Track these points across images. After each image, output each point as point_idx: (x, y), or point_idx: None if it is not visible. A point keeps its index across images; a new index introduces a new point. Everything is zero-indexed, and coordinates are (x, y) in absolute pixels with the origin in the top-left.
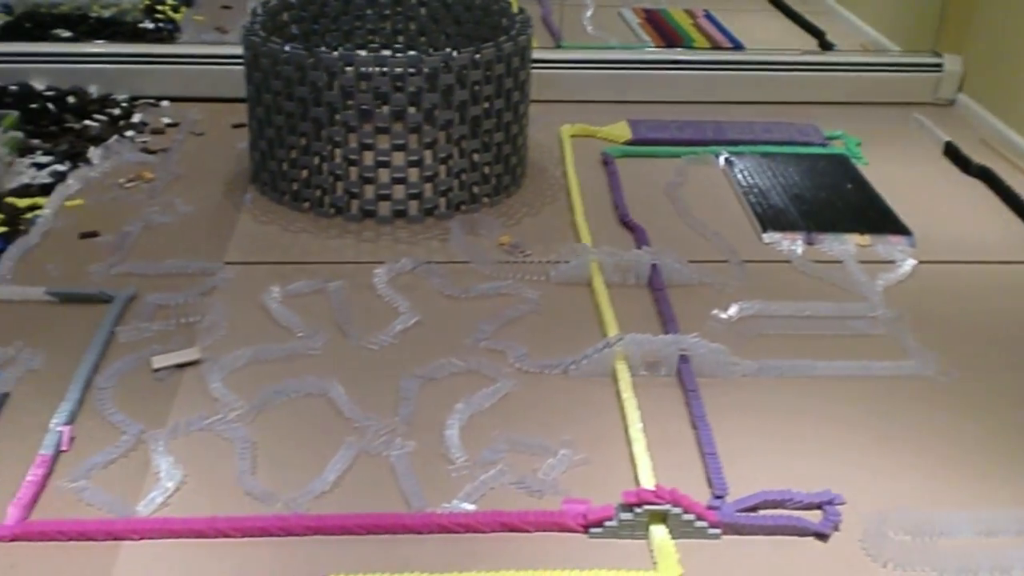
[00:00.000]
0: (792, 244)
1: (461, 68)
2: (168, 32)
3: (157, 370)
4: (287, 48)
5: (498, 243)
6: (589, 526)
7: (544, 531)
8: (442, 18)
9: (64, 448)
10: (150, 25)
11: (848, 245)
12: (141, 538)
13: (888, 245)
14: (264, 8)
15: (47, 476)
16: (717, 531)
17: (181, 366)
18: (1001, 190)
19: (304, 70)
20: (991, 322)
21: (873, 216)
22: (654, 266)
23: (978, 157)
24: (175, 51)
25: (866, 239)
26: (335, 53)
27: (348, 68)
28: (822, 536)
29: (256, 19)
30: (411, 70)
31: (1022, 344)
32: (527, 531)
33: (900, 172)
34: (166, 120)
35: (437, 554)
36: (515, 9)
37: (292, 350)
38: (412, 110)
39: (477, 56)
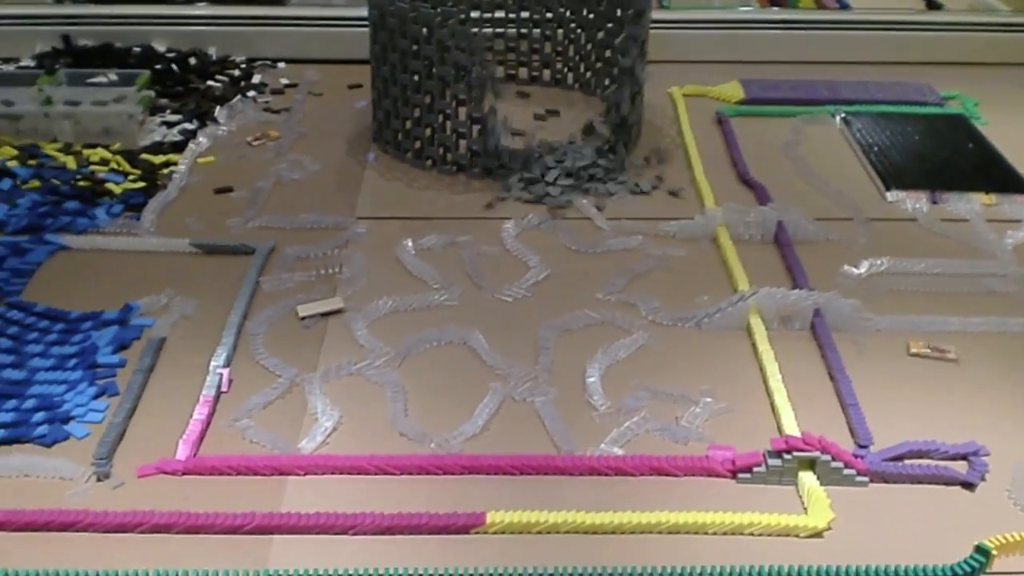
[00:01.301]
0: (916, 203)
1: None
2: None
3: (304, 318)
4: (418, 4)
5: None
6: (737, 472)
7: (692, 475)
8: None
9: (224, 390)
10: None
11: (974, 204)
12: (305, 474)
13: (1015, 204)
14: None
15: (211, 415)
16: (865, 479)
17: (326, 314)
18: None
19: (432, 29)
20: None
21: (997, 175)
22: (779, 223)
23: None
24: (290, 13)
25: (991, 198)
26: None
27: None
28: (969, 485)
29: None
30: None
31: None
32: (676, 475)
33: (1021, 132)
34: (284, 81)
35: (589, 495)
36: None
37: (430, 300)
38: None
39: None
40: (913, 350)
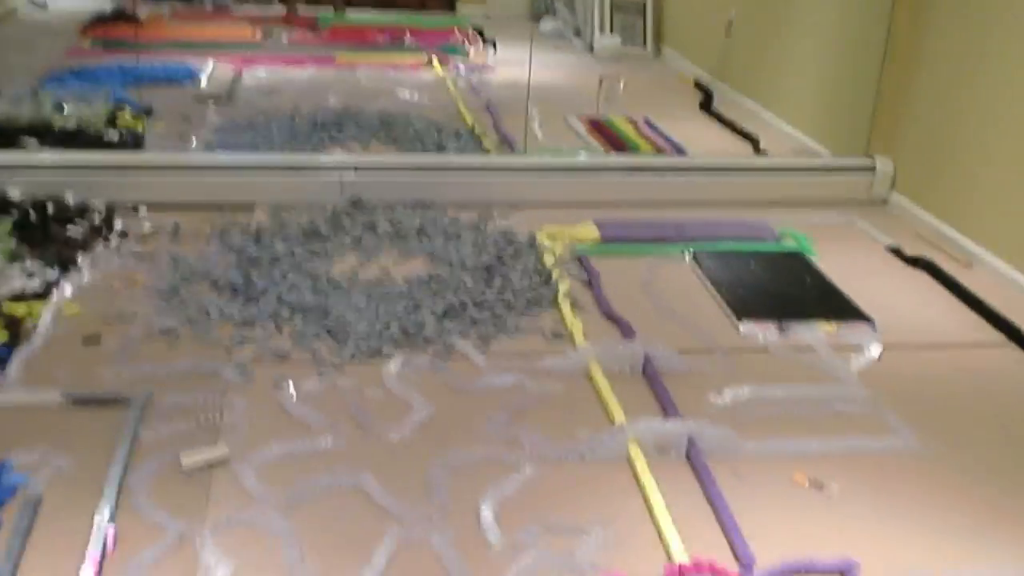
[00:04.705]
0: (766, 333)
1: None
2: (132, 140)
3: (187, 468)
4: None
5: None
6: None
7: None
8: None
9: (111, 548)
10: (115, 135)
11: (817, 332)
12: None
13: (854, 331)
14: None
15: None
16: None
17: (210, 464)
18: (943, 279)
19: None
20: (959, 400)
21: (835, 305)
22: (646, 356)
23: (916, 250)
24: (149, 160)
25: (832, 326)
26: None
27: None
28: None
29: None
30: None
31: (990, 418)
32: None
33: (849, 265)
34: (147, 226)
35: None
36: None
37: (317, 445)
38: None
39: None
40: (797, 479)
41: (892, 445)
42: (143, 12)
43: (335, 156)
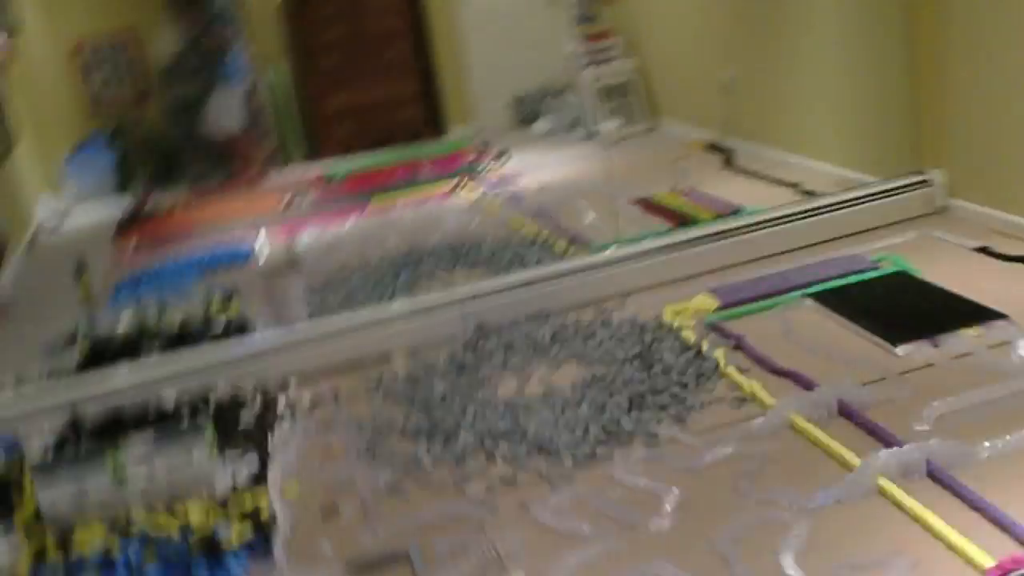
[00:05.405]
0: (922, 350)
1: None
2: (239, 325)
3: None
4: None
5: None
6: None
7: None
8: None
9: None
10: (219, 325)
11: (965, 339)
12: None
13: (996, 330)
14: None
15: None
16: None
17: None
18: None
19: None
20: None
21: (967, 311)
22: (838, 400)
23: (995, 242)
24: (286, 339)
25: (976, 330)
26: None
27: None
28: None
29: None
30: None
31: None
32: None
33: (953, 272)
34: (307, 398)
35: None
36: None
37: (601, 547)
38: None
39: None
40: None
41: None
42: (159, 206)
43: (454, 290)
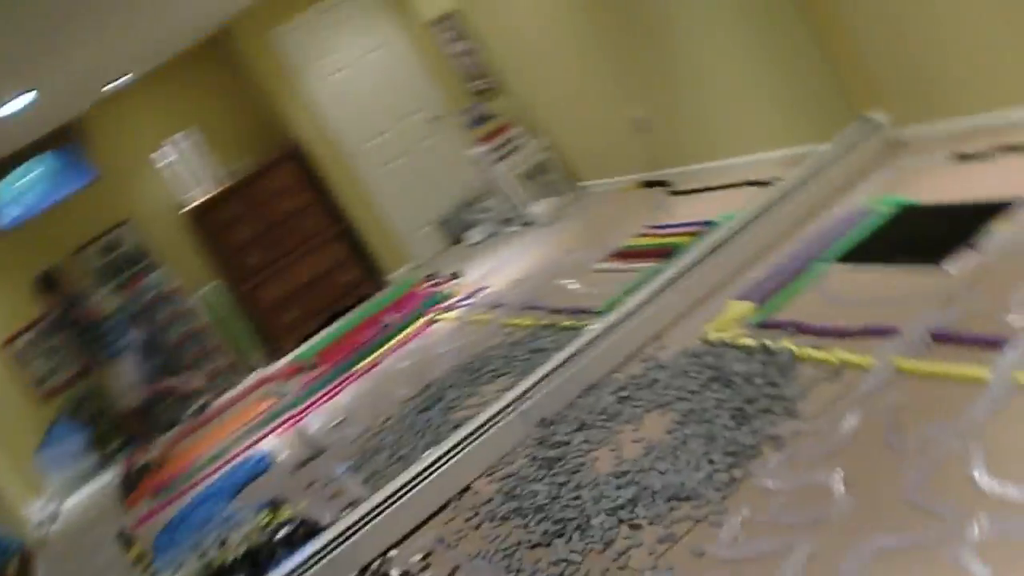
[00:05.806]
0: (965, 258)
1: None
2: (306, 524)
3: None
4: None
5: None
6: None
7: None
8: None
9: None
10: (287, 529)
11: (997, 233)
12: None
13: (1014, 214)
14: None
15: None
16: None
17: None
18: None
19: None
20: None
21: (984, 212)
22: (928, 330)
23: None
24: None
25: (999, 222)
26: None
27: None
28: None
29: None
30: None
31: None
32: None
33: (944, 188)
34: (416, 559)
35: None
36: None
37: None
38: None
39: None
40: None
41: None
42: (153, 455)
43: (499, 400)
